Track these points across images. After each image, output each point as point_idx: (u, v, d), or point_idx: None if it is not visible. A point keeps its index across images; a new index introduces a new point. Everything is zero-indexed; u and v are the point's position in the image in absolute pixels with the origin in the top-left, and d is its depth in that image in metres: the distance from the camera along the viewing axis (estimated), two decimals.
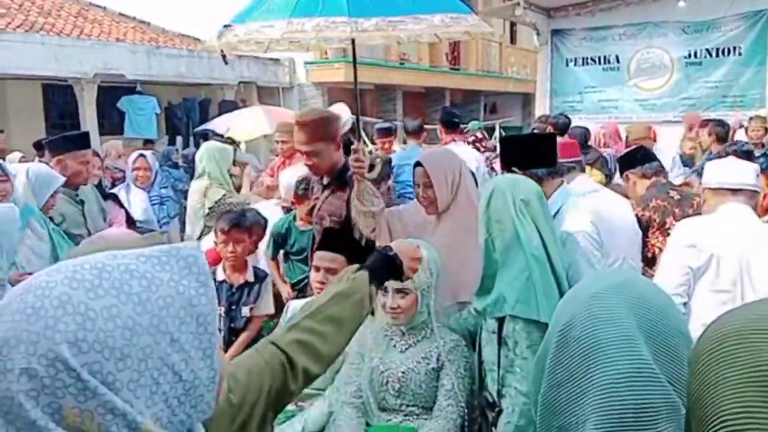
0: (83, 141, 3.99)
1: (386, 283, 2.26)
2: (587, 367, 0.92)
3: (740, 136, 6.41)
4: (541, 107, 9.96)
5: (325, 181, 3.21)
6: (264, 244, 3.85)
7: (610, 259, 2.81)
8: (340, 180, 3.13)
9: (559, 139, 3.19)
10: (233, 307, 3.28)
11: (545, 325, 2.04)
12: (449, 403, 2.25)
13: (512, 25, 19.90)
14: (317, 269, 2.61)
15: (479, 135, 7.25)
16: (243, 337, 3.24)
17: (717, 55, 8.65)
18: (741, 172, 2.63)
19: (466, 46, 18.92)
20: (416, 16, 2.68)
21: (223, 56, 3.60)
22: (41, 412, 0.67)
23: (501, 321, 2.20)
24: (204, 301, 0.78)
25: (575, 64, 9.65)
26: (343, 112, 6.08)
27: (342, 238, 2.75)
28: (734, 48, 8.53)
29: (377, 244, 2.84)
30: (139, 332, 0.71)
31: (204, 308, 0.78)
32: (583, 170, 3.44)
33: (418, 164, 2.76)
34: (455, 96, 19.29)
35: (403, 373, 2.29)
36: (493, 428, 2.23)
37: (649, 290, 0.97)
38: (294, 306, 2.81)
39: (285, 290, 3.78)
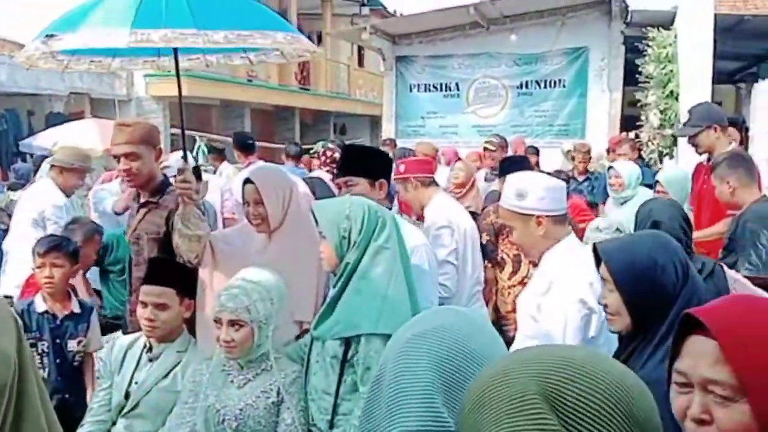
0: None
1: (219, 315, 2.16)
2: (389, 418, 0.93)
3: (564, 165, 6.98)
4: (387, 130, 10.24)
5: (143, 198, 3.01)
6: None
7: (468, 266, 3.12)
8: (158, 197, 2.95)
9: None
10: (58, 341, 2.96)
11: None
12: None
13: (360, 48, 20.37)
14: (144, 305, 2.43)
15: (328, 153, 7.25)
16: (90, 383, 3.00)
17: (545, 87, 9.41)
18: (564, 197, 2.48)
19: (315, 66, 19.04)
20: (262, 31, 2.67)
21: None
22: None
23: (347, 344, 2.14)
24: None
25: (418, 90, 10.03)
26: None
27: (170, 268, 2.59)
28: (559, 80, 9.33)
29: (201, 270, 2.71)
30: None
31: None
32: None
33: (248, 181, 2.69)
34: (305, 115, 19.30)
35: (241, 410, 2.16)
36: None
37: (468, 335, 0.97)
38: (121, 343, 2.57)
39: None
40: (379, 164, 2.76)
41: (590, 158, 6.69)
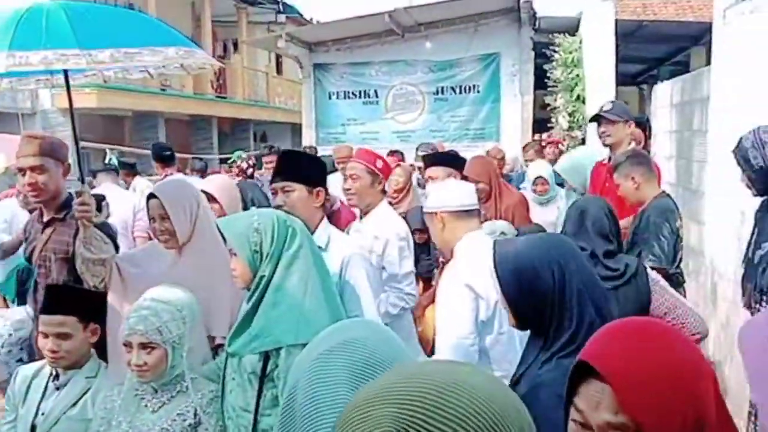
0: None
1: (129, 338, 2.07)
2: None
3: None
4: (308, 137, 10.19)
5: (46, 216, 2.88)
6: None
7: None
8: (63, 213, 2.84)
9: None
10: None
11: None
12: None
13: (278, 56, 20.19)
14: (45, 335, 2.30)
15: (245, 165, 7.15)
16: None
17: (460, 92, 9.62)
18: (472, 192, 2.58)
19: (231, 74, 18.72)
20: (153, 48, 2.59)
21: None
22: None
23: (265, 359, 2.11)
24: None
25: (338, 98, 10.05)
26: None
27: (69, 294, 2.46)
28: (473, 86, 9.57)
29: (109, 293, 2.61)
30: None
31: None
32: None
33: (152, 196, 2.63)
34: (223, 124, 18.92)
35: None
36: None
37: (377, 347, 0.97)
38: (25, 373, 2.43)
39: None
40: (316, 171, 2.69)
41: (504, 163, 6.91)
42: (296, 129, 18.36)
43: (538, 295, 1.62)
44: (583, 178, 4.47)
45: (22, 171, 2.77)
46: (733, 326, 4.28)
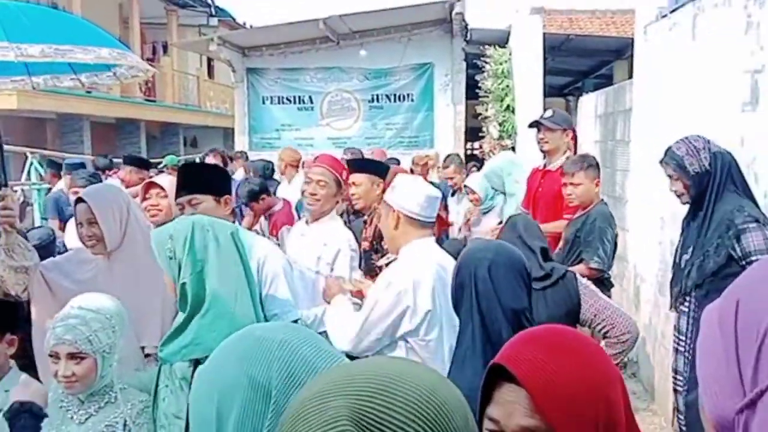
0: None
1: (56, 348, 1.99)
2: None
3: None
4: (240, 143, 10.04)
5: None
6: None
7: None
8: None
9: None
10: None
11: None
12: None
13: (210, 59, 19.82)
14: None
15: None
16: None
17: (395, 101, 9.71)
18: (436, 206, 2.57)
19: (161, 77, 18.23)
20: (85, 47, 2.52)
21: None
22: None
23: (196, 365, 2.06)
24: None
25: (271, 102, 9.94)
26: None
27: None
28: (408, 94, 9.68)
29: (33, 302, 2.51)
30: None
31: None
32: None
33: (79, 200, 2.57)
34: (151, 128, 18.39)
35: None
36: None
37: (302, 347, 0.95)
38: None
39: None
40: (221, 180, 2.69)
41: (428, 170, 7.03)
42: (228, 133, 18.07)
43: (453, 292, 1.80)
44: (501, 181, 4.99)
45: None
46: (654, 327, 4.49)
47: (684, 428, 2.87)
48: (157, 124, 18.51)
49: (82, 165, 6.18)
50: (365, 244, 3.65)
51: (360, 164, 3.91)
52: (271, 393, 0.90)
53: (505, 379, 1.01)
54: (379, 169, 3.85)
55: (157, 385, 2.11)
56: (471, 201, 5.13)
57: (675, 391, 2.95)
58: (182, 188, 2.56)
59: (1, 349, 2.27)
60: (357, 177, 3.65)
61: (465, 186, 5.29)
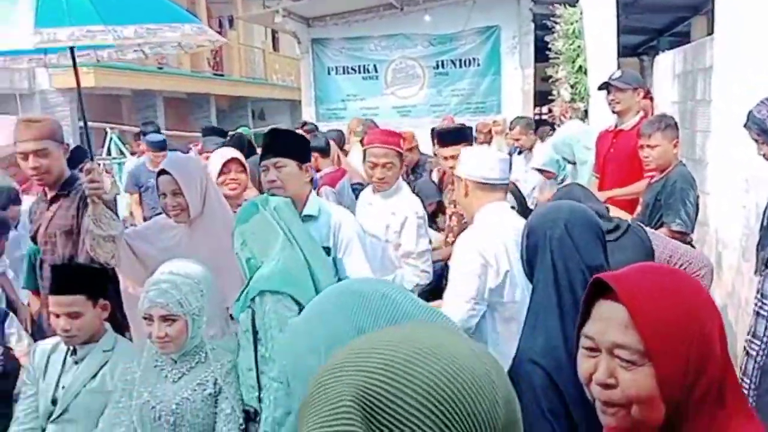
0: None
1: (150, 311, 2.11)
2: None
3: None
4: (307, 114, 10.14)
5: (50, 194, 2.92)
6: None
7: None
8: (66, 191, 2.89)
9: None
10: None
11: (296, 303, 2.07)
12: (230, 429, 2.15)
13: (274, 32, 20.00)
14: (57, 315, 2.35)
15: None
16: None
17: (460, 66, 9.57)
18: (505, 168, 2.61)
19: (228, 51, 18.55)
20: (171, 24, 2.66)
21: None
22: None
23: (253, 315, 2.20)
24: None
25: (336, 73, 9.98)
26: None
27: (75, 273, 2.48)
28: (473, 59, 9.51)
29: (121, 269, 2.65)
30: None
31: None
32: None
33: (163, 172, 2.69)
34: (221, 102, 18.82)
35: (177, 404, 2.13)
36: None
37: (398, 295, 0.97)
38: (43, 348, 2.47)
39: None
40: (305, 148, 2.79)
41: (492, 137, 6.91)
42: (295, 106, 18.29)
43: (528, 254, 1.77)
44: (570, 150, 4.84)
45: (24, 156, 2.80)
46: (737, 294, 4.33)
47: (752, 393, 2.78)
48: (227, 98, 18.92)
49: (163, 141, 6.31)
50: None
51: (454, 136, 3.84)
52: None
53: (606, 297, 1.01)
54: (469, 136, 3.83)
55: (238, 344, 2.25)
56: (548, 178, 5.08)
57: (747, 354, 2.85)
58: (269, 151, 2.64)
59: (96, 314, 2.42)
60: (452, 151, 3.62)
61: (534, 169, 5.22)
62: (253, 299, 2.17)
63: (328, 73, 9.99)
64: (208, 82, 17.62)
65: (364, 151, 3.36)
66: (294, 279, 2.15)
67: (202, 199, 2.69)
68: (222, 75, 18.54)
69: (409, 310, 0.97)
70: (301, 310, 2.00)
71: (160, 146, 6.14)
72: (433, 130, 4.97)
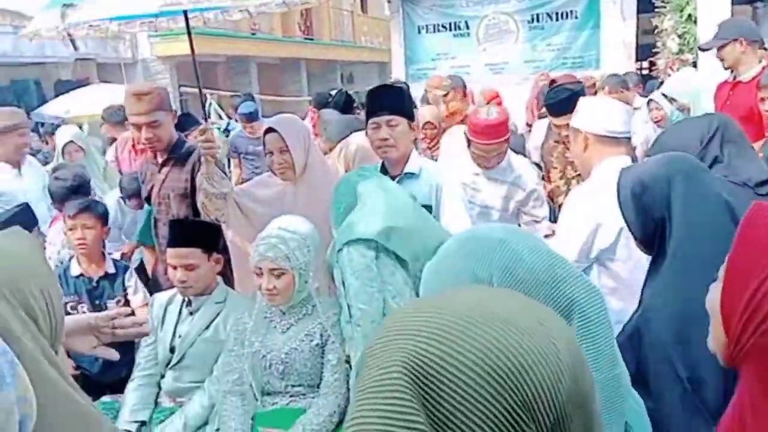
0: None
1: (260, 264, 2.18)
2: None
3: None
4: (397, 75, 10.06)
5: (160, 159, 3.07)
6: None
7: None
8: (177, 155, 3.03)
9: None
10: (97, 302, 3.02)
11: (376, 249, 2.05)
12: (336, 378, 2.21)
13: None
14: (174, 267, 2.48)
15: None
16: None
17: (556, 19, 9.16)
18: (628, 120, 2.41)
19: (317, 15, 18.70)
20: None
21: (72, 40, 3.28)
22: None
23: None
24: None
25: (427, 31, 9.81)
26: None
27: (191, 228, 2.62)
28: (571, 11, 9.07)
29: (227, 227, 2.75)
30: None
31: None
32: None
33: (270, 130, 2.72)
34: (312, 66, 19.05)
35: (287, 353, 2.21)
36: None
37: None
38: (160, 300, 2.63)
39: None
40: (412, 107, 2.73)
41: (595, 91, 6.56)
42: (383, 67, 18.25)
43: (645, 211, 1.63)
44: (687, 99, 4.41)
45: (137, 126, 2.95)
46: None
47: None
48: (317, 62, 19.13)
49: (252, 112, 6.37)
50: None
51: (567, 105, 3.31)
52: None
53: None
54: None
55: None
56: (654, 119, 4.72)
57: None
58: (382, 108, 2.60)
59: (210, 266, 2.54)
60: (566, 119, 3.34)
61: (650, 101, 4.87)
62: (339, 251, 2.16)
63: (418, 32, 9.84)
64: (299, 46, 17.86)
65: (468, 139, 3.17)
66: (373, 224, 2.07)
67: (306, 156, 2.73)
68: (312, 39, 18.73)
69: (526, 259, 0.95)
70: (377, 256, 2.02)
71: (251, 117, 6.23)
72: (540, 92, 4.73)
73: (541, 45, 9.25)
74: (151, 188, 3.13)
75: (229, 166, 6.20)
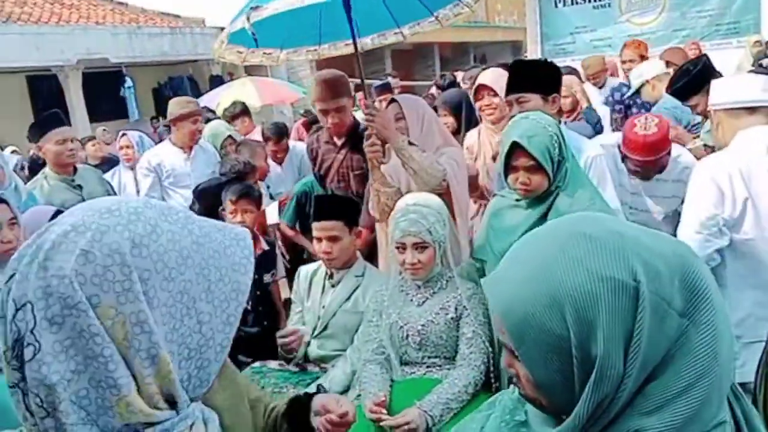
0: (54, 120, 3.80)
1: (403, 239, 2.24)
2: None
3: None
4: (533, 53, 9.78)
5: (339, 141, 3.31)
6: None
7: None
8: (354, 137, 3.24)
9: None
10: (257, 276, 3.28)
11: None
12: (471, 351, 2.23)
13: None
14: (319, 240, 2.63)
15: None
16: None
17: None
18: (764, 86, 2.27)
19: None
20: (438, 10, 3.30)
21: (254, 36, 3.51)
22: (84, 298, 0.70)
23: None
24: (244, 270, 0.83)
25: (564, 5, 9.44)
26: None
27: (335, 203, 2.78)
28: None
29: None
30: (189, 264, 0.77)
31: (241, 277, 0.82)
32: None
33: (392, 101, 2.94)
34: (444, 50, 19.02)
35: (423, 326, 2.27)
36: None
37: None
38: (305, 272, 2.79)
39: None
40: (549, 77, 2.62)
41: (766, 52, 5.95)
42: (516, 47, 17.82)
43: None
44: None
45: (324, 112, 3.21)
46: None
47: None
48: (449, 45, 19.06)
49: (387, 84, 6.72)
50: None
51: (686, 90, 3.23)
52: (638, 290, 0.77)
53: None
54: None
55: None
56: None
57: None
58: (511, 87, 2.61)
59: (351, 240, 2.66)
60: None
61: None
62: None
63: (555, 6, 9.49)
64: (431, 31, 17.85)
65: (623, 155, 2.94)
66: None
67: (421, 128, 2.81)
68: None
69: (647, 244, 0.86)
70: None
71: (384, 87, 6.67)
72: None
73: (690, 12, 8.58)
74: (329, 167, 3.36)
75: None
